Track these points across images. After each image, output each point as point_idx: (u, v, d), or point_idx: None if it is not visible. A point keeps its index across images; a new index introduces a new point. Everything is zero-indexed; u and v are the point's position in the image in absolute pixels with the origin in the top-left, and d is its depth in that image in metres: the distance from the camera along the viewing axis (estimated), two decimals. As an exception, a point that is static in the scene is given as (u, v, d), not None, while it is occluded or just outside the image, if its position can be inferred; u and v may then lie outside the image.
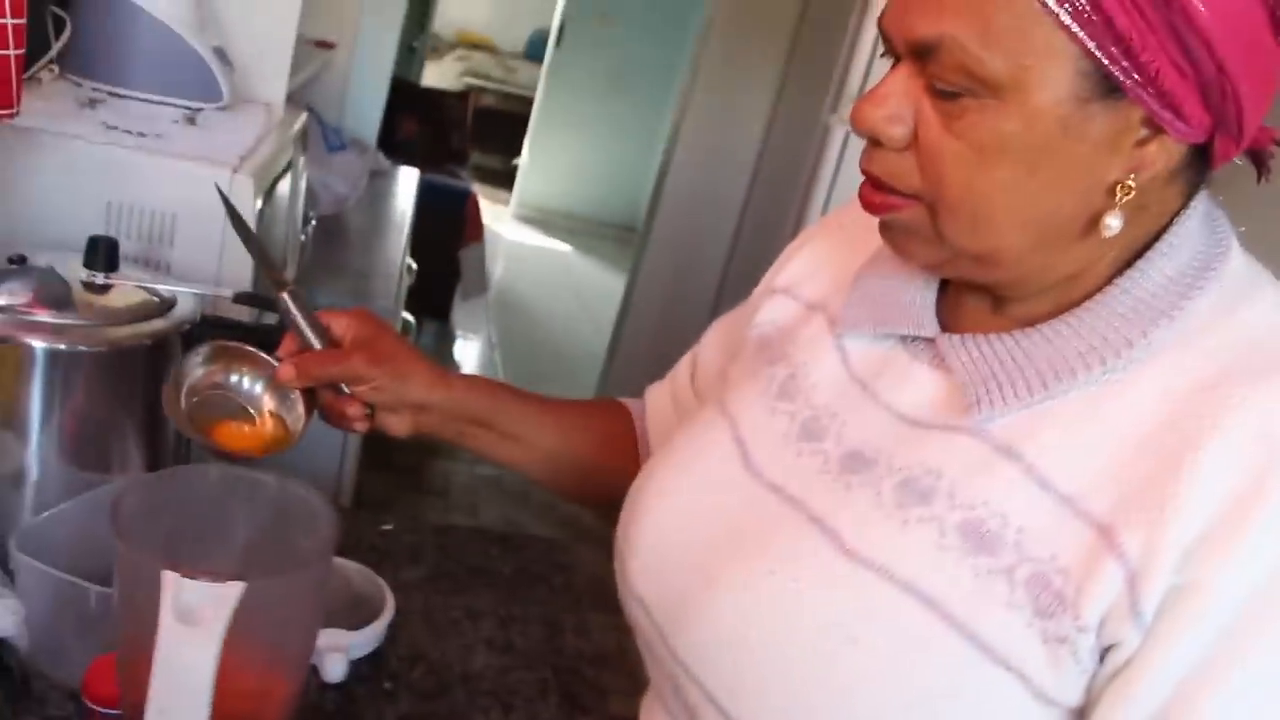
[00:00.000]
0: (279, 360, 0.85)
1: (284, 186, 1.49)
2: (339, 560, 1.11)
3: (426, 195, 3.11)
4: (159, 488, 0.80)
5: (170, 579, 0.70)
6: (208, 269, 1.19)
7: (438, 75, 6.85)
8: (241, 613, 0.71)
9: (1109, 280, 0.61)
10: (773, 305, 0.78)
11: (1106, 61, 0.53)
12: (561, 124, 6.36)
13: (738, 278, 3.06)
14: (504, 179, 6.72)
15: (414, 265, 2.70)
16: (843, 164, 2.33)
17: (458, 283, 3.97)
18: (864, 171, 0.62)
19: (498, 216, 6.11)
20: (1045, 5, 0.52)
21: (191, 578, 0.70)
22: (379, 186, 2.77)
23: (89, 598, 0.87)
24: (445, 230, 3.75)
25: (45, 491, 1.01)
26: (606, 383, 3.52)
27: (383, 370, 0.84)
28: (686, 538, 0.69)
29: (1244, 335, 0.58)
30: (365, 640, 1.07)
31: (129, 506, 0.76)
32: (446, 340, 4.21)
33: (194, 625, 0.69)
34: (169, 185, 1.18)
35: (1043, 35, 0.53)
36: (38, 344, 0.96)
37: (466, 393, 0.89)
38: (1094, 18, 0.52)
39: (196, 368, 0.89)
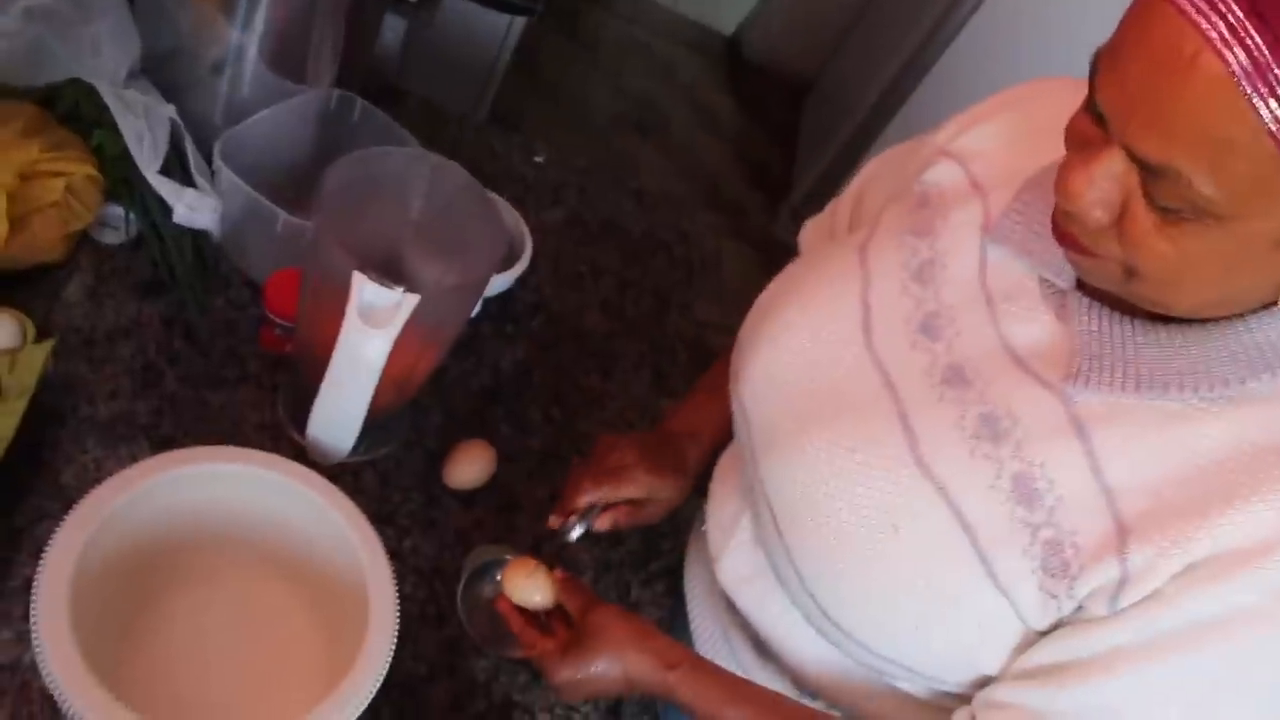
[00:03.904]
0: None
1: None
2: (495, 197, 1.18)
3: None
4: (357, 166, 0.86)
5: (359, 280, 0.79)
6: None
7: None
8: (414, 313, 0.81)
9: (1247, 310, 0.61)
10: (941, 167, 0.79)
11: None
12: None
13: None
14: None
15: None
16: None
17: None
18: (1061, 230, 0.62)
19: None
20: None
21: (377, 283, 0.79)
22: None
23: (277, 221, 0.97)
24: None
25: (240, 90, 1.08)
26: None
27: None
28: (795, 376, 0.77)
29: None
30: (502, 282, 1.17)
31: (332, 183, 0.84)
32: None
33: (373, 325, 0.80)
34: None
35: (1278, 178, 0.51)
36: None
37: (698, 471, 0.97)
38: None
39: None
